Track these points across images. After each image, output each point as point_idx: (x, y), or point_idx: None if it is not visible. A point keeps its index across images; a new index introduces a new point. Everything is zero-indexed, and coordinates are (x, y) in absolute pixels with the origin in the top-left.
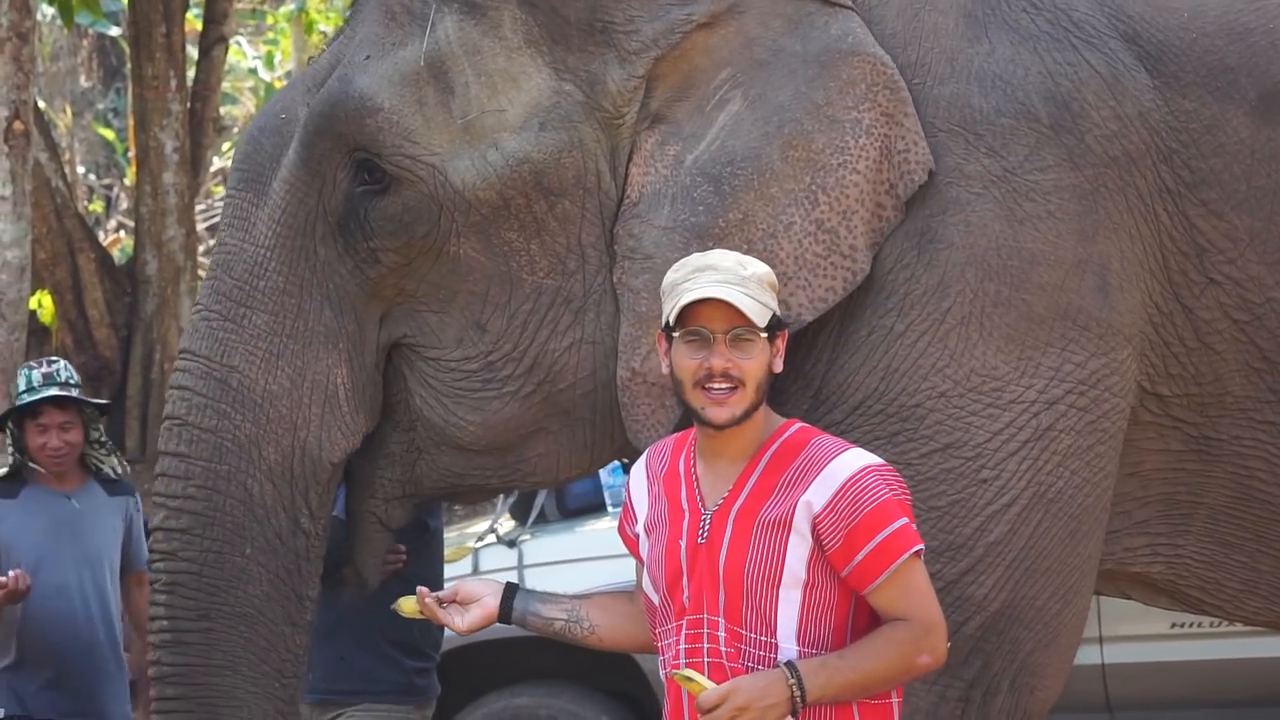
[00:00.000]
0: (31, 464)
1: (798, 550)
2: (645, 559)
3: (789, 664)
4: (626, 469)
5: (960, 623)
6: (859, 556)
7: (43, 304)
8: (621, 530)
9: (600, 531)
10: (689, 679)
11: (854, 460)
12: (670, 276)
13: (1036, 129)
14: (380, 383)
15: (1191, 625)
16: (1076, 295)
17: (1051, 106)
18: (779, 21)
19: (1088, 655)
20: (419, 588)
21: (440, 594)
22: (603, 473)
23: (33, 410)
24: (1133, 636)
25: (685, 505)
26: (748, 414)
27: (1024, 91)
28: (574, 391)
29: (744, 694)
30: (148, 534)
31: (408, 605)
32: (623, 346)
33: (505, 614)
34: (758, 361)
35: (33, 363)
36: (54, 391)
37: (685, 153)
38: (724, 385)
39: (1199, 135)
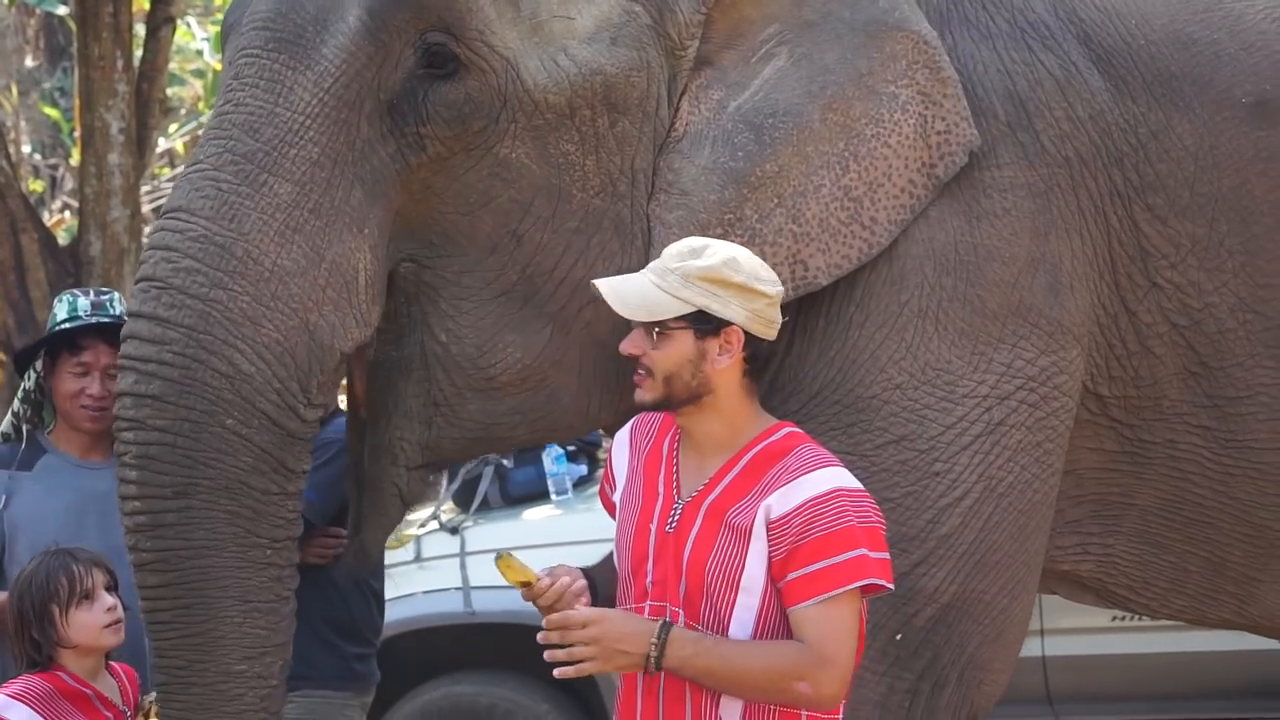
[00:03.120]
0: (48, 426)
1: (758, 557)
2: (616, 531)
3: (665, 624)
4: (571, 456)
5: (911, 615)
6: (793, 575)
7: None
8: (602, 493)
9: (544, 519)
10: (509, 565)
11: (827, 479)
12: None
13: (994, 126)
14: (385, 284)
15: (1132, 618)
16: (1028, 293)
17: (1009, 104)
18: None
19: (1028, 648)
20: (539, 574)
21: (555, 573)
22: (546, 460)
23: (72, 344)
24: (1073, 629)
25: (661, 489)
26: (662, 402)
27: (983, 88)
28: (616, 324)
29: (605, 631)
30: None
31: (512, 572)
32: None
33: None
34: (664, 354)
35: (76, 290)
36: (106, 320)
37: (729, 99)
38: (640, 370)
39: (1147, 140)
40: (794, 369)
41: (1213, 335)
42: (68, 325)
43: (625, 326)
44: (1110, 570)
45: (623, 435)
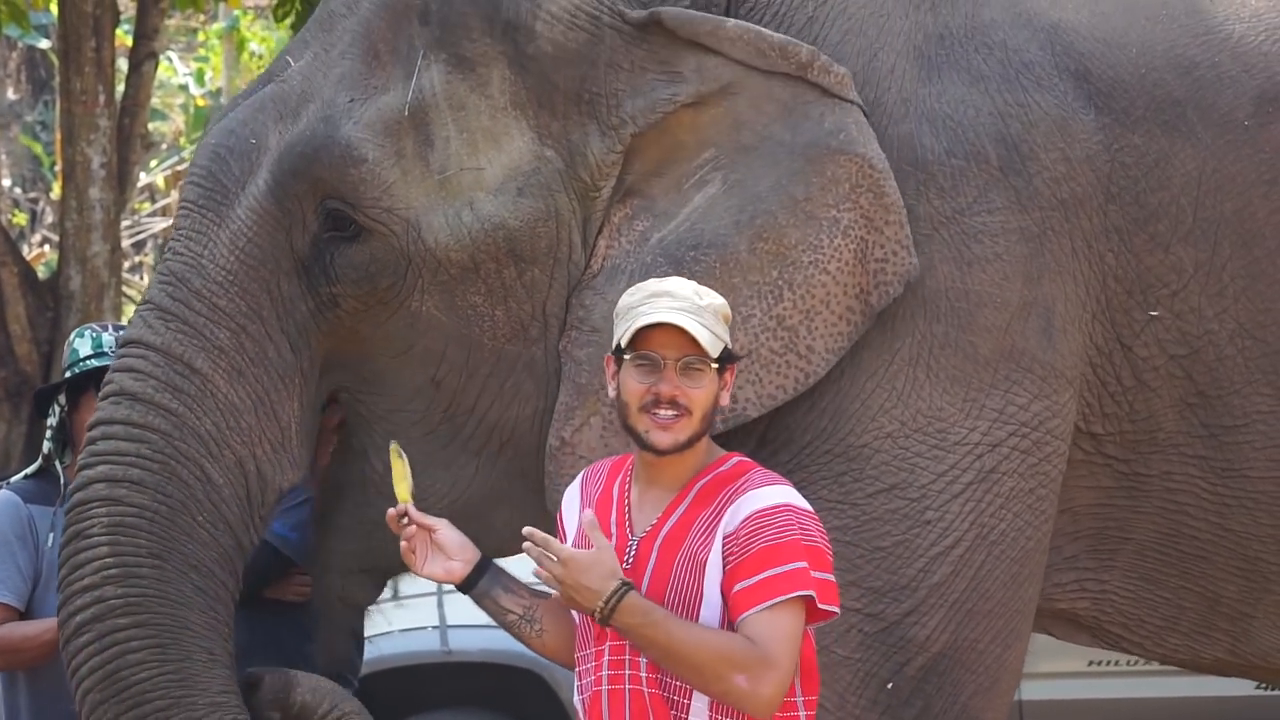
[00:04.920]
0: (64, 461)
1: (715, 583)
2: None
3: (621, 588)
4: None
5: (902, 663)
6: (738, 586)
7: None
8: None
9: (524, 557)
10: (399, 464)
11: (774, 495)
12: (625, 299)
13: (986, 171)
14: (317, 422)
15: (1108, 663)
16: (1021, 337)
17: (1001, 148)
18: (772, 107)
19: None
20: (408, 507)
21: (424, 520)
22: None
23: (101, 382)
24: (1050, 674)
25: (614, 529)
26: (690, 442)
27: (974, 133)
28: (534, 458)
29: (566, 575)
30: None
31: (403, 491)
32: (557, 414)
33: (468, 586)
34: (706, 391)
35: (96, 325)
36: None
37: (653, 230)
38: (670, 412)
39: (1148, 170)
40: (785, 418)
41: (1211, 364)
42: (95, 363)
43: (537, 457)
44: (1105, 608)
45: (573, 488)
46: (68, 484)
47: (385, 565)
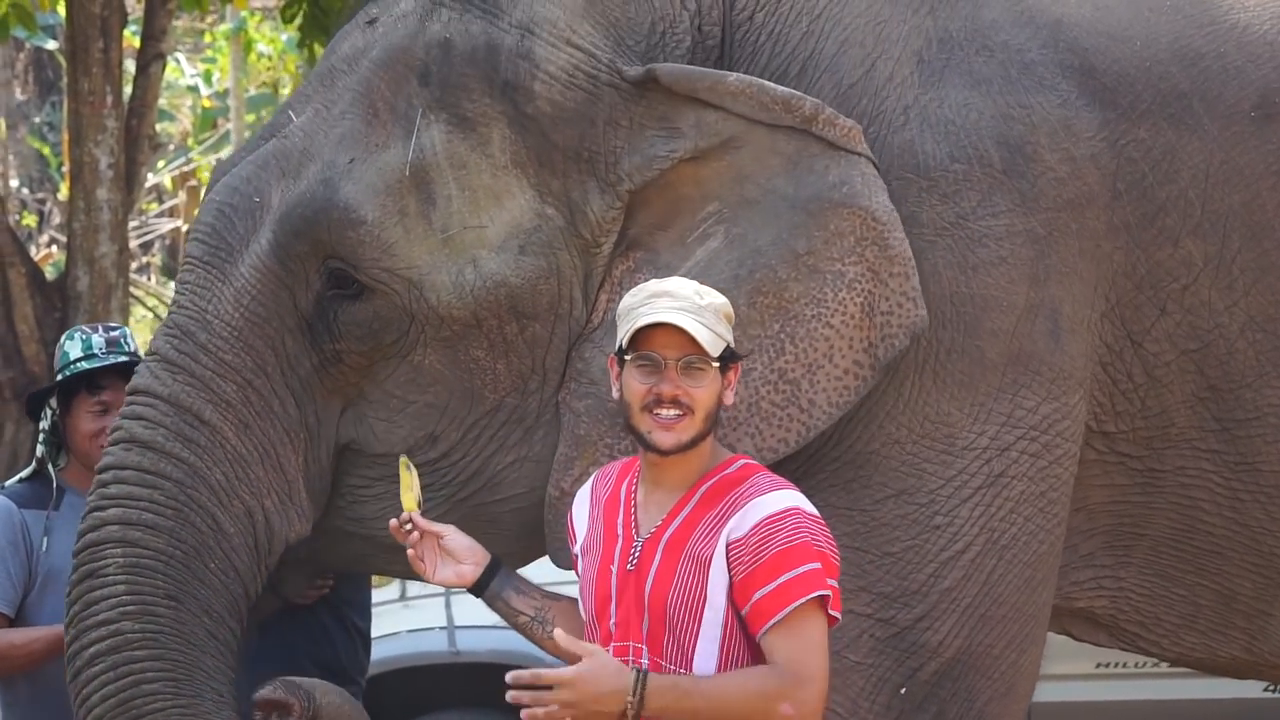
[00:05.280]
0: (59, 464)
1: (719, 586)
2: (579, 580)
3: (640, 676)
4: None
5: (915, 669)
6: (757, 595)
7: None
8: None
9: (534, 565)
10: (408, 478)
11: (782, 500)
12: (626, 301)
13: (989, 174)
14: (329, 477)
15: (1116, 665)
16: (1028, 340)
17: (1004, 151)
18: (776, 160)
19: None
20: (413, 516)
21: (431, 527)
22: None
23: (92, 383)
24: (1058, 676)
25: (620, 531)
26: (694, 441)
27: (977, 136)
28: (506, 505)
29: (579, 695)
30: None
31: (409, 501)
32: (556, 465)
33: (480, 588)
34: (708, 390)
35: (86, 326)
36: (124, 359)
37: None
38: (673, 411)
39: (1155, 164)
40: None
41: (1222, 357)
42: (85, 365)
43: (529, 509)
44: (1123, 606)
45: (584, 490)
46: (60, 486)
47: (324, 563)
